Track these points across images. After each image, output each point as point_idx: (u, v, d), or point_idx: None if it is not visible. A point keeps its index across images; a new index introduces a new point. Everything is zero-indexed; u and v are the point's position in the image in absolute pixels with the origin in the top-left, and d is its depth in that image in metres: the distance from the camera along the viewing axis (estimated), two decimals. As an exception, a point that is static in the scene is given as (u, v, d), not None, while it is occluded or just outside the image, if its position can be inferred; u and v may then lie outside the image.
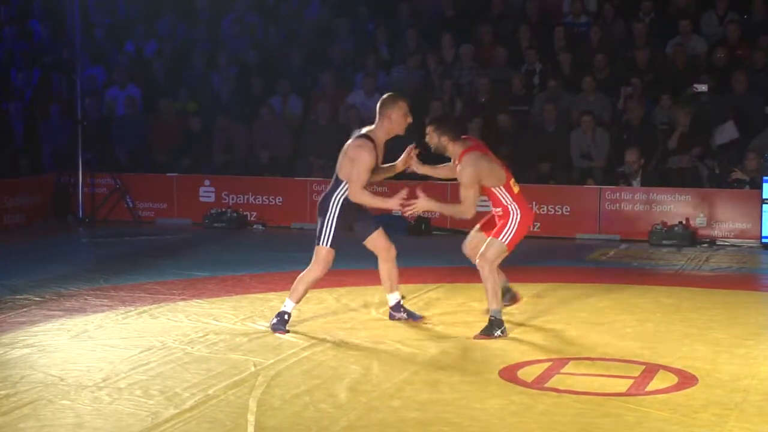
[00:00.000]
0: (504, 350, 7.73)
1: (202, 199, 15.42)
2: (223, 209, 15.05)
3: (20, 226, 14.78)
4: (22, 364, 7.28)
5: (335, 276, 10.20)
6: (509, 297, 8.79)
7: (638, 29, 15.63)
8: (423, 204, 8.17)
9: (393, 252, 8.54)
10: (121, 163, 16.28)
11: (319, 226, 8.28)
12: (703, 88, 14.46)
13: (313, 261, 8.31)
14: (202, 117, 16.39)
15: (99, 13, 18.53)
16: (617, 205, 13.89)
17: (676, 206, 13.62)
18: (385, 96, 8.40)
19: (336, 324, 8.60)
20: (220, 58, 17.20)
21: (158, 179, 15.73)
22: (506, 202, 8.22)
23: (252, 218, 15.13)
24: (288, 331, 8.25)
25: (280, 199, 14.92)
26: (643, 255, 12.62)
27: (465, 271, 10.86)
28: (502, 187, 8.21)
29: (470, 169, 8.07)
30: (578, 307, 9.33)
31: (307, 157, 15.64)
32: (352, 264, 11.18)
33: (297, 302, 8.37)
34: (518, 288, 10.06)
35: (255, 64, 17.17)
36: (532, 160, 14.72)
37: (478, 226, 8.60)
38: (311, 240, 8.44)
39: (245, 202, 15.25)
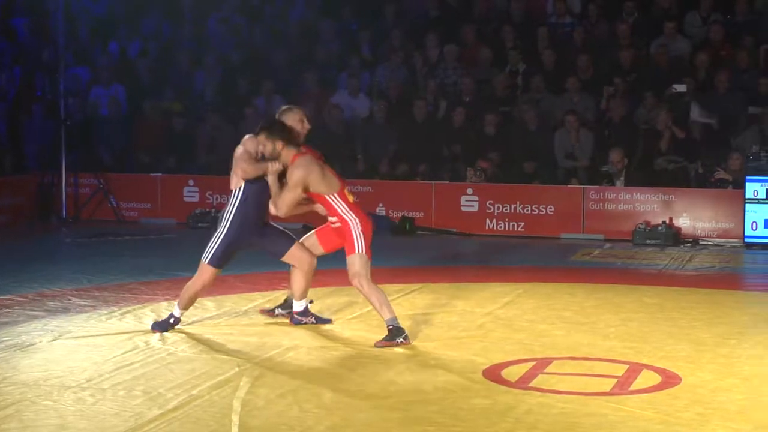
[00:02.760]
0: (488, 350, 7.73)
1: (186, 199, 15.38)
2: (207, 209, 14.99)
3: (3, 227, 14.72)
4: (4, 365, 7.25)
5: (319, 276, 10.20)
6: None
7: (622, 30, 15.64)
8: (272, 167, 8.03)
9: (314, 263, 8.46)
10: (104, 163, 16.22)
11: (211, 239, 8.22)
12: (682, 88, 14.49)
13: (197, 273, 8.26)
14: (186, 117, 16.35)
15: (83, 12, 18.45)
16: (601, 204, 13.91)
17: (659, 206, 13.65)
18: (281, 108, 8.43)
19: (320, 324, 8.58)
20: (206, 58, 17.16)
21: (142, 179, 15.69)
22: (341, 210, 8.10)
23: (236, 218, 15.06)
24: (165, 331, 8.18)
25: (264, 199, 14.84)
26: (627, 255, 12.64)
27: (449, 271, 10.89)
28: (335, 195, 8.11)
29: (300, 170, 8.01)
30: (562, 307, 9.34)
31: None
32: (334, 264, 11.22)
33: (184, 310, 8.31)
34: (502, 288, 10.14)
35: (240, 64, 17.14)
36: (516, 160, 14.74)
37: (312, 232, 8.55)
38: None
39: (229, 202, 15.19)
